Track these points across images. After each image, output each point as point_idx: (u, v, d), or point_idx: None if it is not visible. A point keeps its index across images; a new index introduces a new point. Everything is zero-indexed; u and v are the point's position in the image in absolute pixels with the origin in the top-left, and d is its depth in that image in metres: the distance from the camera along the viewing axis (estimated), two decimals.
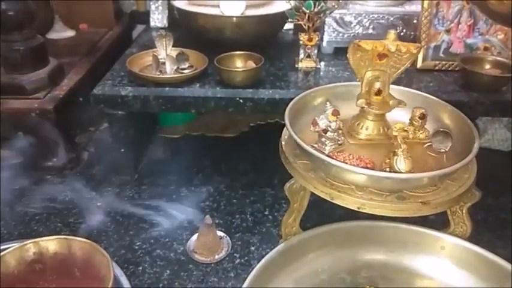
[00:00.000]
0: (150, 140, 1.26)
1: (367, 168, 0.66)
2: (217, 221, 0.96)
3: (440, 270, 0.79)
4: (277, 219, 0.97)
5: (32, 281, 0.70)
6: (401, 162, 0.65)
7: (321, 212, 0.97)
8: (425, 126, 0.77)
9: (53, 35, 1.40)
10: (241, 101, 0.98)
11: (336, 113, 0.73)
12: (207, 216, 0.87)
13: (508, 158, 1.22)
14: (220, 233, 0.92)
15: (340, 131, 0.74)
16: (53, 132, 1.08)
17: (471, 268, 0.77)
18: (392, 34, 0.71)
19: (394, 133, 0.67)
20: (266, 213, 0.99)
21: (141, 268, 0.85)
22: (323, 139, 0.73)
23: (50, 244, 0.70)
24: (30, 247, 0.69)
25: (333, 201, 0.68)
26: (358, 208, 0.66)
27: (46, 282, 0.71)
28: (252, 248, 0.90)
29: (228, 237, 0.92)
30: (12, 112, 1.02)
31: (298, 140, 0.69)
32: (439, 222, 0.89)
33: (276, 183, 1.08)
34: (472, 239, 0.79)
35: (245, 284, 0.71)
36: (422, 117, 0.75)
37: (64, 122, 1.10)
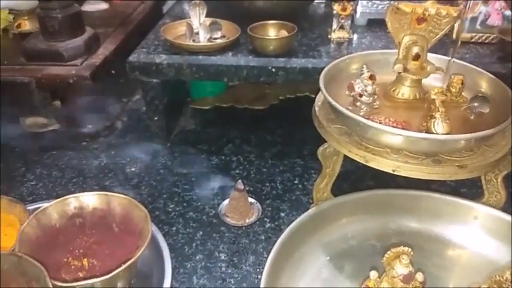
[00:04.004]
0: (181, 111, 1.27)
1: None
2: (247, 189, 0.97)
3: (473, 240, 0.78)
4: (307, 188, 0.98)
5: (73, 234, 0.73)
6: (439, 125, 0.64)
7: (352, 183, 0.98)
8: (462, 93, 0.76)
9: (87, 7, 1.42)
10: (273, 69, 0.99)
11: (372, 77, 0.72)
12: (239, 180, 0.89)
13: None
14: (250, 199, 0.93)
15: (376, 96, 0.74)
16: (88, 99, 1.11)
17: (504, 238, 0.76)
18: None
19: (433, 96, 0.66)
20: (296, 182, 1.00)
21: (174, 228, 0.87)
22: (358, 103, 0.73)
23: (90, 199, 0.73)
24: (71, 201, 0.72)
25: (368, 164, 0.68)
26: (393, 171, 0.66)
27: (85, 236, 0.73)
28: (282, 214, 0.91)
29: (258, 203, 0.93)
30: (50, 78, 1.05)
31: (333, 102, 0.69)
32: (472, 193, 0.89)
33: (306, 154, 1.08)
34: (505, 211, 0.78)
35: (276, 245, 0.72)
36: (461, 83, 0.74)
37: (99, 90, 1.13)
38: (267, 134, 1.17)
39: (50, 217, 0.70)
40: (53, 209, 0.71)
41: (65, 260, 0.71)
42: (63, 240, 0.71)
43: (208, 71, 1.00)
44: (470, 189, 0.94)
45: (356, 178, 0.98)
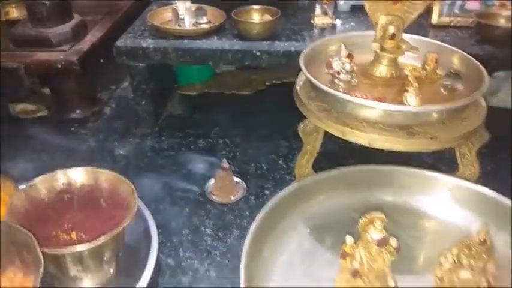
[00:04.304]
0: (168, 97, 1.29)
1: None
2: (233, 169, 0.99)
3: (447, 211, 0.81)
4: (290, 168, 1.00)
5: (61, 209, 0.75)
6: (411, 98, 0.67)
7: (332, 161, 1.00)
8: (437, 71, 0.79)
9: None
10: (257, 53, 1.01)
11: (350, 55, 0.75)
12: (224, 159, 0.91)
13: None
14: (236, 179, 0.96)
15: (354, 74, 0.77)
16: (76, 84, 1.13)
17: (473, 207, 0.79)
18: None
19: (406, 72, 0.69)
20: (280, 162, 1.03)
21: (162, 206, 0.89)
22: (336, 81, 0.76)
23: (78, 175, 0.75)
24: (60, 176, 0.74)
25: (345, 138, 0.71)
26: (369, 143, 0.69)
27: (74, 211, 0.75)
28: (267, 192, 0.94)
29: (243, 182, 0.96)
30: (39, 63, 1.06)
31: (313, 80, 0.72)
32: (450, 170, 0.92)
33: (290, 135, 1.10)
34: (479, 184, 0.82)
35: (257, 218, 0.75)
36: (435, 61, 0.77)
37: (87, 76, 1.15)
38: (253, 118, 1.20)
39: (38, 191, 0.72)
40: (41, 184, 0.73)
41: (54, 233, 0.73)
42: (52, 215, 0.73)
43: (194, 54, 1.02)
44: (448, 166, 0.96)
45: (337, 157, 1.01)
